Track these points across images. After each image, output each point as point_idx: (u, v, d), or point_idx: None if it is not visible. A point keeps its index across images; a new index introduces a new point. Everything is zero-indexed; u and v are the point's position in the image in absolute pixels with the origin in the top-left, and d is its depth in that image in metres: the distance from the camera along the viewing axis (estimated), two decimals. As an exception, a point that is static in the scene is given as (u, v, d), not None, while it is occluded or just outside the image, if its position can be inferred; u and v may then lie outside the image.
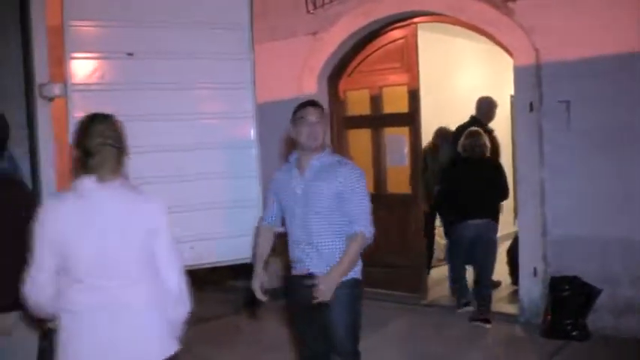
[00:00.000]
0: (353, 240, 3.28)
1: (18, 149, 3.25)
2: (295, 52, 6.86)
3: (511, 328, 5.68)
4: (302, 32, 6.84)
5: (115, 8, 4.18)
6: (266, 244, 3.63)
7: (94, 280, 2.50)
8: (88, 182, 2.51)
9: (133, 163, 2.67)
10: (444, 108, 8.04)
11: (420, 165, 6.78)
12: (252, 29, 4.65)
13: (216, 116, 4.56)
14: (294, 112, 3.44)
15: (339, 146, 6.82)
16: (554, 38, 5.35)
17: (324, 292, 3.20)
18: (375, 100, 6.84)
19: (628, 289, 5.14)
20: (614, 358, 4.92)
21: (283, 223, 3.56)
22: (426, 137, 7.14)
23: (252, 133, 4.68)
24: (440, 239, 7.68)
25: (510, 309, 6.05)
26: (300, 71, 6.86)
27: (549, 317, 5.30)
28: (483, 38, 6.18)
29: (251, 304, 4.50)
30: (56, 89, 3.92)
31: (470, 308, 6.01)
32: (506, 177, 6.07)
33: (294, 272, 3.48)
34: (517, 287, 5.96)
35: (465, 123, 6.61)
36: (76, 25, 4.04)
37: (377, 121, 6.87)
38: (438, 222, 7.47)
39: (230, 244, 4.58)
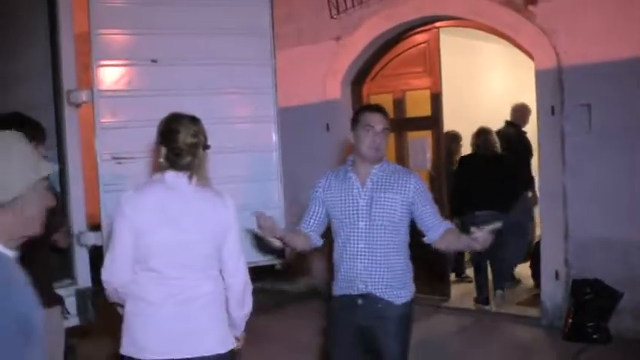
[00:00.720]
0: (454, 231, 3.18)
1: (46, 153, 3.35)
2: (319, 57, 6.95)
3: (533, 330, 5.68)
4: (326, 37, 6.93)
5: (140, 17, 4.28)
6: (302, 238, 3.20)
7: (169, 271, 2.60)
8: (176, 177, 2.62)
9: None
10: (467, 111, 8.04)
11: (449, 169, 6.91)
12: (274, 35, 4.73)
13: (239, 121, 4.63)
14: (357, 116, 3.20)
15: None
16: (575, 41, 5.35)
17: (486, 238, 2.86)
18: (398, 104, 6.90)
19: (650, 293, 5.11)
20: (636, 362, 4.90)
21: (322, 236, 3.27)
22: (449, 141, 7.23)
23: (274, 137, 4.75)
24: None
25: (532, 312, 6.05)
26: (324, 75, 6.95)
27: (571, 320, 5.30)
28: (506, 42, 6.20)
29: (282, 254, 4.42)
30: (83, 95, 4.00)
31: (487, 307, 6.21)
32: (516, 170, 6.32)
33: (343, 292, 3.15)
34: (539, 290, 5.97)
35: (501, 128, 6.83)
36: (103, 33, 4.16)
37: (400, 124, 6.91)
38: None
39: (253, 246, 4.65)
